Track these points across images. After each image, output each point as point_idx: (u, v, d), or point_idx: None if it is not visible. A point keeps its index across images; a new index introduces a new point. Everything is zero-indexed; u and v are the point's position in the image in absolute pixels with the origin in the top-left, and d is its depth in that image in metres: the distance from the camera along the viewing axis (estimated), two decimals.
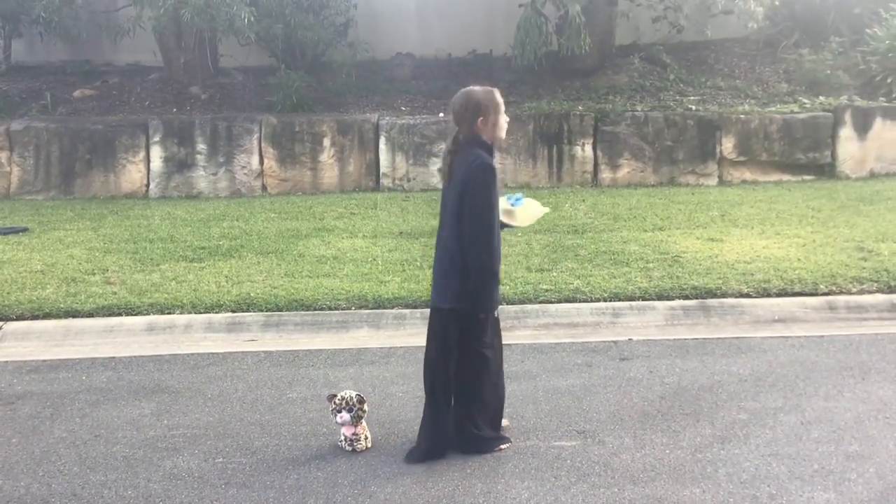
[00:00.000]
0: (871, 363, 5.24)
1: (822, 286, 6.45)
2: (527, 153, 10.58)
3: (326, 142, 10.59)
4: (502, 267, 4.22)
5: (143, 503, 3.73)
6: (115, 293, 6.60)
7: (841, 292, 6.40)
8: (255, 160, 10.62)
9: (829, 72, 11.47)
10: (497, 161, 4.09)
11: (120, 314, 6.28)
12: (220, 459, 4.13)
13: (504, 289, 6.35)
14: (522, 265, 7.06)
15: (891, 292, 6.39)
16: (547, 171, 10.59)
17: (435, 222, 4.08)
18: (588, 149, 10.60)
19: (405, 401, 4.78)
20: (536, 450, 4.14)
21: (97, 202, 10.18)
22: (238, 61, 12.18)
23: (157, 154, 10.61)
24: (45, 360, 5.64)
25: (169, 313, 6.28)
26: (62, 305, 6.36)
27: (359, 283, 6.72)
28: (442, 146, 10.37)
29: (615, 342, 5.76)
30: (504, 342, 4.32)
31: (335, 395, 4.19)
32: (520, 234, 7.76)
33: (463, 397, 4.10)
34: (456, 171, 3.97)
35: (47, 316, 6.26)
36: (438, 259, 4.06)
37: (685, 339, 5.78)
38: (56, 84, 12.10)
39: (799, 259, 7.04)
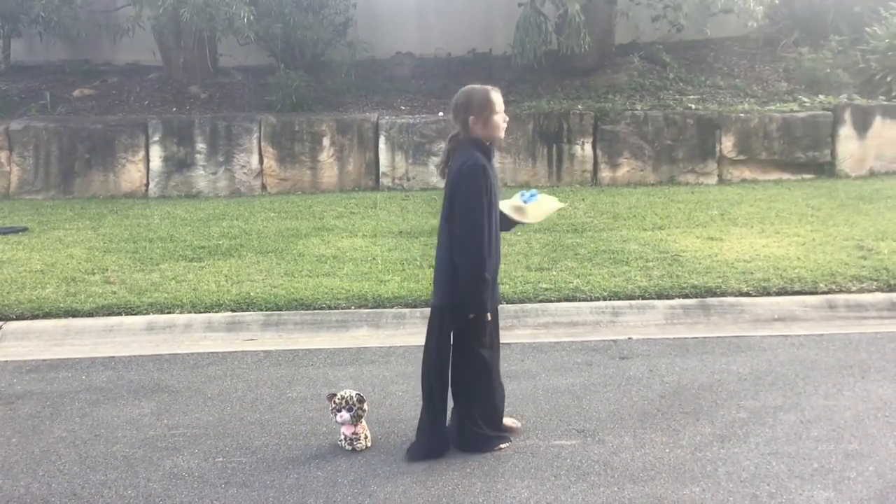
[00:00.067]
0: (871, 362, 5.24)
1: (821, 285, 6.46)
2: (526, 152, 10.58)
3: (326, 141, 10.59)
4: (502, 266, 4.22)
5: (143, 502, 3.72)
6: (114, 293, 6.60)
7: (841, 291, 6.40)
8: (254, 159, 10.62)
9: (828, 70, 11.47)
10: (497, 160, 4.09)
11: (119, 314, 6.28)
12: (220, 459, 4.13)
13: (504, 288, 6.35)
14: (522, 264, 7.06)
15: (890, 291, 6.39)
16: (546, 171, 10.59)
17: (435, 221, 4.09)
18: (588, 148, 10.60)
19: (405, 400, 4.78)
20: (536, 449, 4.14)
21: (97, 202, 10.18)
22: (237, 61, 12.18)
23: (156, 153, 10.61)
24: (44, 360, 5.64)
25: (169, 313, 6.28)
26: (62, 305, 6.36)
27: (358, 282, 6.72)
28: (441, 145, 10.38)
29: (615, 341, 5.76)
30: (503, 341, 4.33)
31: (335, 395, 4.19)
32: (519, 234, 7.76)
33: (463, 396, 4.11)
34: (450, 170, 3.98)
35: (47, 315, 6.26)
36: (437, 257, 4.07)
37: (685, 338, 5.78)
38: (55, 84, 12.10)
39: (798, 258, 7.04)
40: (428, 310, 4.21)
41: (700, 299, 6.34)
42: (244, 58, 12.11)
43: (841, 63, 11.65)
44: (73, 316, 6.25)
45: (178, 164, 10.62)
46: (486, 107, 3.97)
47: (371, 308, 6.28)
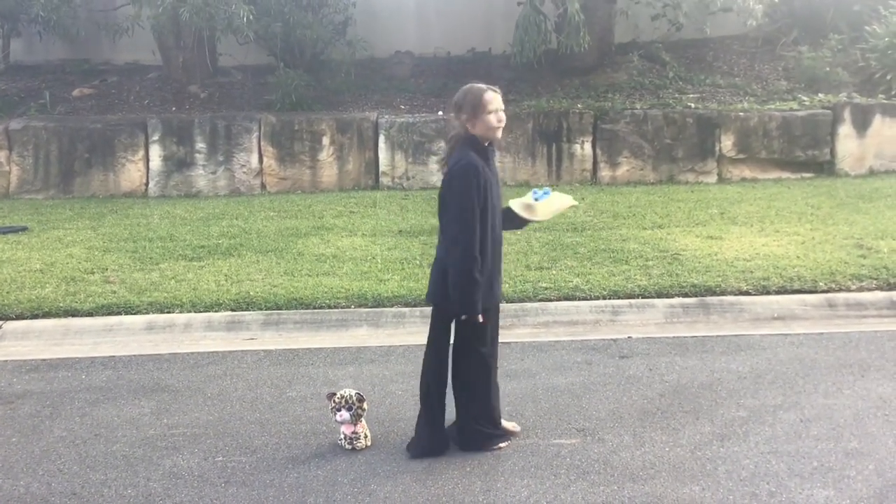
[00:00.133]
0: (871, 360, 5.24)
1: (821, 284, 6.46)
2: (526, 151, 10.58)
3: (325, 140, 10.59)
4: (503, 265, 4.22)
5: (143, 502, 3.72)
6: (114, 292, 6.60)
7: (840, 290, 6.40)
8: (254, 159, 10.62)
9: (828, 69, 11.47)
10: (497, 160, 4.09)
11: (119, 313, 6.28)
12: (220, 458, 4.13)
13: (503, 287, 6.33)
14: (522, 263, 7.06)
15: (890, 289, 6.40)
16: (546, 170, 10.59)
17: (434, 220, 4.09)
18: (587, 147, 10.60)
19: (404, 399, 4.78)
20: (536, 448, 4.14)
21: (96, 201, 10.18)
22: (237, 60, 12.17)
23: (156, 153, 10.61)
24: (44, 360, 5.64)
25: (168, 312, 6.28)
26: (62, 304, 6.36)
27: (358, 281, 6.72)
28: (441, 144, 10.40)
29: (615, 340, 5.76)
30: (503, 340, 4.33)
31: (335, 394, 4.19)
32: (518, 233, 7.76)
33: (463, 394, 4.11)
34: (445, 170, 4.02)
35: (47, 315, 6.26)
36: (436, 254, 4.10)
37: (684, 337, 5.78)
38: (55, 83, 12.10)
39: (798, 256, 7.04)
40: (428, 309, 4.22)
41: (700, 298, 6.34)
42: (244, 57, 12.11)
43: (840, 62, 11.65)
44: (73, 315, 6.25)
45: (178, 164, 10.62)
46: (479, 106, 3.96)
47: (371, 307, 6.28)
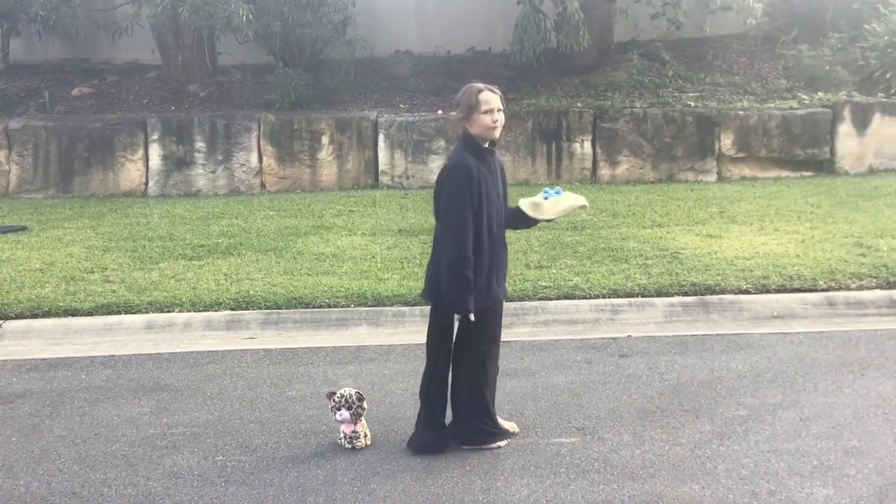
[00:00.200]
0: (870, 359, 5.24)
1: (821, 282, 6.46)
2: (526, 150, 10.58)
3: (325, 139, 10.58)
4: (507, 266, 4.23)
5: (142, 501, 3.72)
6: (114, 291, 6.60)
7: (840, 288, 6.40)
8: (253, 158, 10.62)
9: (827, 68, 11.47)
10: (498, 159, 4.10)
11: (119, 312, 6.27)
12: (220, 457, 4.13)
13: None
14: (521, 262, 7.06)
15: (890, 288, 6.40)
16: (546, 168, 10.59)
17: (434, 219, 4.08)
18: (587, 145, 10.60)
19: (404, 398, 4.78)
20: (536, 446, 4.14)
21: (96, 200, 10.18)
22: (236, 59, 12.17)
23: (155, 152, 10.61)
24: (44, 359, 5.64)
25: (168, 311, 6.28)
26: (61, 304, 6.36)
27: (358, 280, 6.72)
28: (441, 143, 10.40)
29: (614, 339, 5.76)
30: (503, 339, 4.32)
31: (334, 393, 4.19)
32: (518, 232, 7.74)
33: (464, 392, 4.11)
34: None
35: (46, 314, 6.26)
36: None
37: (684, 336, 5.78)
38: (54, 82, 12.09)
39: (798, 255, 7.04)
40: (427, 308, 4.22)
41: (699, 297, 6.34)
42: (243, 56, 12.11)
43: (840, 60, 11.65)
44: (73, 315, 6.25)
45: (178, 163, 10.61)
46: (473, 106, 3.96)
47: (370, 306, 6.28)
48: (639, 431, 4.28)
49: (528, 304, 6.26)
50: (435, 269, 4.00)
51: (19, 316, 6.26)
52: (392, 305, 6.29)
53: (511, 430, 4.25)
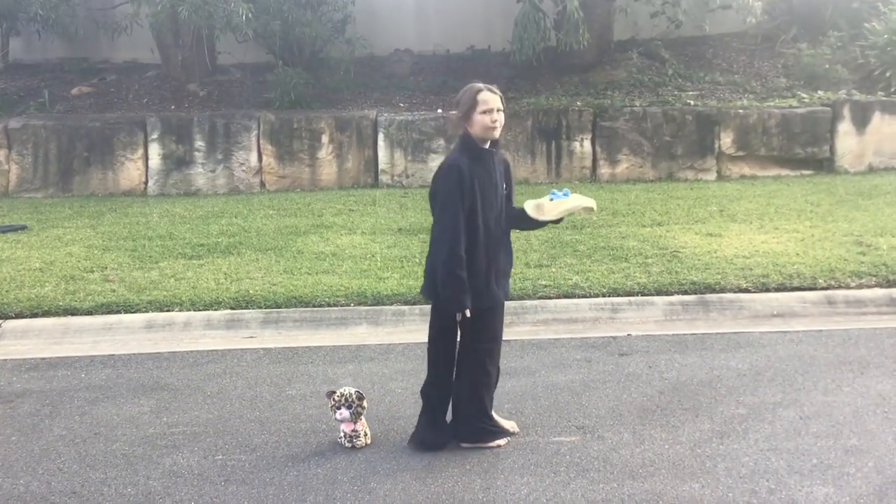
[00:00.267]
0: (870, 357, 5.24)
1: (820, 281, 6.46)
2: (525, 149, 10.58)
3: (325, 138, 10.58)
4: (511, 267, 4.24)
5: (142, 501, 3.72)
6: (113, 291, 6.60)
7: (839, 287, 6.40)
8: (253, 157, 10.62)
9: (827, 66, 11.47)
10: (498, 159, 4.09)
11: (119, 312, 6.27)
12: (220, 456, 4.13)
13: None
14: (521, 261, 7.06)
15: (889, 286, 6.40)
16: (545, 167, 10.59)
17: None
18: (587, 144, 10.60)
19: (404, 397, 4.78)
20: (535, 445, 4.14)
21: (96, 200, 10.18)
22: (236, 58, 12.17)
23: (155, 151, 10.61)
24: (44, 358, 5.64)
25: (168, 311, 6.27)
26: (61, 303, 6.36)
27: (358, 279, 6.72)
28: (440, 142, 10.40)
29: (614, 337, 5.76)
30: (503, 338, 4.31)
31: (334, 392, 4.19)
32: (519, 231, 7.74)
33: (465, 390, 4.11)
34: None
35: (46, 314, 6.26)
36: None
37: (684, 335, 5.78)
38: (54, 82, 12.09)
39: (797, 254, 7.04)
40: (427, 307, 4.23)
41: (699, 295, 6.34)
42: (242, 55, 12.11)
43: (840, 59, 11.65)
44: (73, 314, 6.25)
45: (177, 162, 10.61)
46: (472, 106, 3.96)
47: (370, 305, 6.28)
48: (639, 430, 4.28)
49: (528, 302, 6.26)
50: (432, 266, 4.03)
51: (19, 315, 6.25)
52: (392, 304, 6.29)
53: (511, 429, 4.25)
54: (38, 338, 6.02)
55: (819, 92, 11.07)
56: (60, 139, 10.60)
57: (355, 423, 4.16)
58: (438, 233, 3.95)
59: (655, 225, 8.19)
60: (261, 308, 6.27)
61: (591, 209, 4.14)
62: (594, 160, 10.62)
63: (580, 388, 4.86)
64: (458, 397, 4.14)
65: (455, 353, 4.13)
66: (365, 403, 4.20)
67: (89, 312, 6.26)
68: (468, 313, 3.92)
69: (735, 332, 5.81)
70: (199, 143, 10.58)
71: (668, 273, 6.66)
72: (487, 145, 4.04)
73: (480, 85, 4.01)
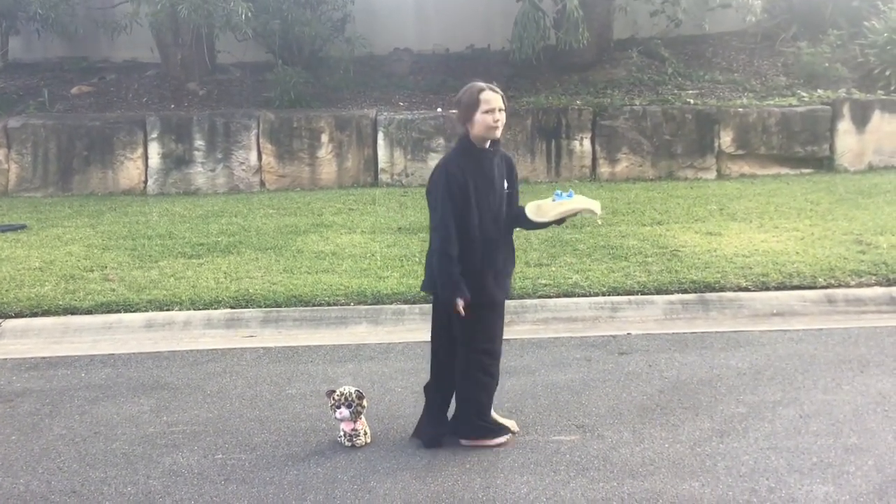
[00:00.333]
0: (870, 356, 5.24)
1: (820, 279, 6.46)
2: (525, 148, 10.57)
3: (324, 137, 10.58)
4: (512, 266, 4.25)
5: (142, 500, 3.72)
6: (113, 290, 6.60)
7: (839, 285, 6.40)
8: (253, 156, 10.61)
9: (827, 65, 11.46)
10: (497, 159, 4.09)
11: (118, 311, 6.27)
12: (220, 456, 4.13)
13: None
14: (521, 260, 7.06)
15: (889, 285, 6.40)
16: (545, 166, 10.59)
17: None
18: (586, 143, 10.60)
19: (404, 396, 4.78)
20: (535, 444, 4.14)
21: (95, 199, 10.18)
22: (235, 57, 12.16)
23: (154, 151, 10.60)
24: (44, 357, 5.64)
25: (167, 310, 6.27)
26: (61, 302, 6.36)
27: (357, 278, 6.72)
28: (440, 141, 10.39)
29: (614, 336, 5.76)
30: (503, 337, 4.31)
31: (334, 391, 4.19)
32: (517, 230, 7.74)
33: (463, 387, 4.11)
34: None
35: (46, 313, 6.26)
36: None
37: (684, 333, 5.78)
38: (53, 81, 12.09)
39: (797, 252, 7.04)
40: (427, 306, 4.23)
41: (699, 294, 6.34)
42: (242, 54, 12.10)
43: (839, 57, 11.64)
44: (72, 313, 6.25)
45: (177, 161, 10.61)
46: (472, 105, 3.95)
47: (370, 304, 6.28)
48: (638, 429, 4.28)
49: (528, 301, 6.26)
50: (430, 260, 4.09)
51: (19, 314, 6.26)
52: (392, 303, 6.29)
53: (511, 427, 4.25)
54: (38, 337, 6.02)
55: (819, 90, 11.07)
56: (60, 138, 10.60)
57: (355, 422, 4.16)
58: (432, 229, 4.03)
59: (655, 224, 8.19)
60: (260, 307, 6.27)
61: (593, 212, 4.09)
62: (594, 159, 10.62)
63: (580, 386, 4.86)
64: (457, 395, 4.14)
65: (455, 350, 4.13)
66: (365, 402, 4.20)
67: (89, 312, 6.26)
68: (461, 307, 3.89)
69: (735, 331, 5.81)
70: (199, 143, 10.58)
71: (667, 272, 6.66)
72: (488, 145, 4.03)
73: (482, 84, 4.00)
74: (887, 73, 11.13)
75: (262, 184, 10.63)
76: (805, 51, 11.68)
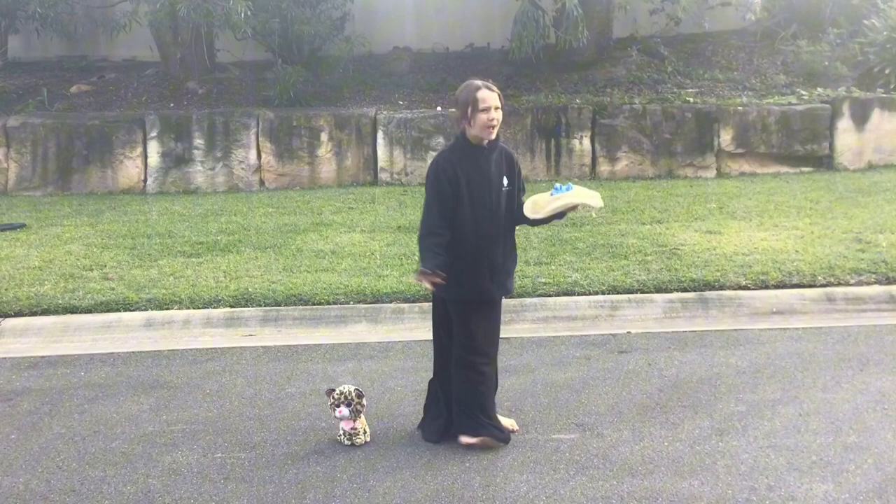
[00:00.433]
0: (869, 354, 5.24)
1: (820, 278, 6.46)
2: (525, 146, 10.56)
3: (324, 136, 10.58)
4: (511, 265, 4.26)
5: (142, 498, 3.72)
6: (112, 289, 6.60)
7: (839, 284, 6.40)
8: (252, 155, 10.61)
9: (826, 63, 11.45)
10: (495, 156, 4.09)
11: (118, 310, 6.27)
12: (219, 454, 4.13)
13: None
14: (521, 258, 6.99)
15: (889, 283, 6.40)
16: (545, 165, 10.59)
17: None
18: (586, 142, 10.59)
19: (404, 395, 4.78)
20: (535, 443, 4.14)
21: (95, 198, 10.17)
22: (235, 56, 12.16)
23: (154, 149, 10.60)
24: (43, 356, 5.63)
25: (167, 309, 6.27)
26: (60, 301, 6.35)
27: (357, 277, 6.72)
28: (439, 140, 10.39)
29: (613, 335, 5.76)
30: (502, 336, 4.31)
31: (334, 390, 4.19)
32: (517, 228, 7.74)
33: (458, 386, 4.11)
34: None
35: (45, 312, 6.25)
36: None
37: (683, 332, 5.78)
38: (52, 80, 12.08)
39: (797, 251, 7.04)
40: (427, 305, 4.24)
41: (698, 293, 6.34)
42: (241, 53, 12.09)
43: (839, 56, 11.63)
44: (72, 312, 6.25)
45: (176, 160, 10.60)
46: (469, 104, 3.95)
47: (370, 303, 6.28)
48: (638, 427, 4.28)
49: (528, 300, 6.26)
50: None
51: (18, 313, 6.25)
52: (391, 302, 6.29)
53: (510, 426, 4.25)
54: (38, 336, 6.02)
55: (818, 89, 11.05)
56: (59, 137, 10.59)
57: (355, 420, 4.16)
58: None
59: (655, 222, 8.19)
60: (260, 306, 6.27)
61: (587, 206, 4.07)
62: (593, 158, 10.62)
63: (579, 385, 4.86)
64: (454, 393, 4.14)
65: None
66: (364, 401, 4.19)
67: (89, 311, 6.26)
68: (426, 280, 3.89)
69: (734, 330, 5.81)
70: (199, 141, 10.57)
71: (667, 270, 6.66)
72: (485, 143, 4.03)
73: (479, 82, 4.00)
74: (887, 71, 11.12)
75: (262, 182, 10.62)
76: (805, 49, 11.67)
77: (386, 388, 4.91)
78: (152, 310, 6.26)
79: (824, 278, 6.45)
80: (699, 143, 10.56)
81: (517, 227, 4.29)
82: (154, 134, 10.58)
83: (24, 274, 7.00)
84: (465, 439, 4.09)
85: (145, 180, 10.60)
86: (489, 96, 3.94)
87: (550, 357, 5.35)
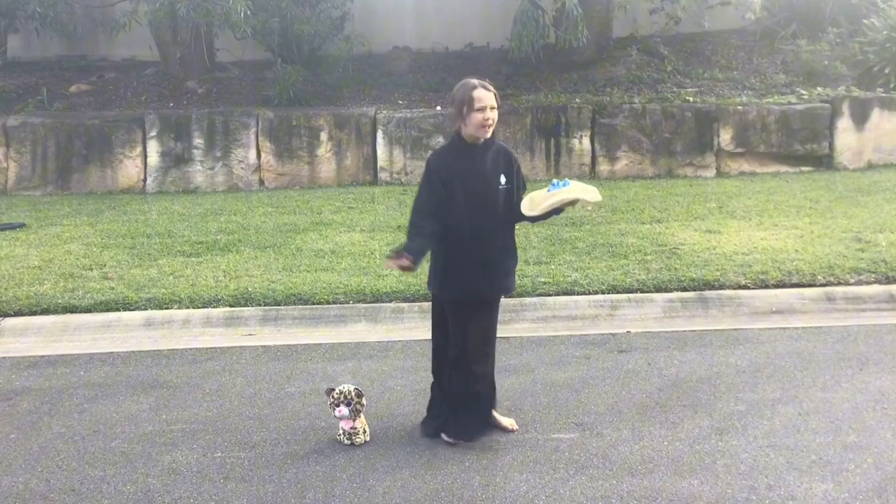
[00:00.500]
0: (869, 354, 5.24)
1: (819, 277, 6.46)
2: (524, 146, 10.56)
3: (324, 136, 10.57)
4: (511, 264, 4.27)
5: (141, 498, 3.72)
6: (112, 288, 6.60)
7: (839, 283, 6.40)
8: (252, 154, 10.61)
9: (826, 62, 11.45)
10: (491, 155, 4.10)
11: (118, 309, 6.27)
12: (219, 454, 4.13)
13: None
14: (520, 258, 7.00)
15: (888, 283, 6.40)
16: (545, 164, 10.58)
17: None
18: (586, 141, 10.59)
19: (403, 394, 4.78)
20: (535, 442, 4.14)
21: (94, 197, 10.17)
22: (234, 55, 12.16)
23: (153, 149, 10.59)
24: (43, 356, 5.63)
25: (167, 308, 6.27)
26: (60, 301, 6.35)
27: (357, 277, 6.72)
28: (439, 139, 10.39)
29: (613, 335, 5.76)
30: (502, 335, 4.33)
31: (333, 390, 4.19)
32: (517, 227, 7.74)
33: (454, 385, 4.12)
34: None
35: (45, 311, 6.25)
36: None
37: (683, 331, 5.78)
38: (52, 79, 12.07)
39: (797, 250, 7.04)
40: (426, 304, 4.24)
41: (698, 292, 6.34)
42: (241, 52, 12.09)
43: (839, 55, 11.64)
44: (72, 312, 6.25)
45: (176, 160, 10.60)
46: (465, 103, 3.95)
47: (369, 303, 6.28)
48: (637, 427, 4.28)
49: (527, 299, 6.26)
50: (432, 258, 4.08)
51: (18, 313, 6.25)
52: (391, 302, 6.29)
53: (510, 426, 4.25)
54: (38, 335, 6.02)
55: (818, 88, 11.05)
56: (59, 137, 10.59)
57: (354, 420, 4.16)
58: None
59: (654, 222, 8.19)
60: (260, 305, 6.27)
61: (584, 201, 4.06)
62: (593, 157, 10.61)
63: (579, 384, 4.86)
64: (448, 392, 4.14)
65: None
66: (364, 401, 4.20)
67: (88, 310, 6.26)
68: (397, 262, 3.96)
69: (734, 329, 5.81)
70: (198, 141, 10.57)
71: (667, 270, 6.66)
72: (481, 141, 4.03)
73: (475, 81, 4.00)
74: (886, 70, 11.12)
75: (262, 182, 10.62)
76: (804, 48, 11.67)
77: (385, 387, 4.91)
78: (152, 309, 6.26)
79: (824, 278, 6.45)
80: (699, 142, 10.56)
81: (517, 226, 4.28)
82: (154, 133, 10.58)
83: (23, 273, 7.00)
84: (444, 437, 4.13)
85: (145, 180, 10.60)
86: (485, 96, 3.94)
87: (550, 356, 5.35)
